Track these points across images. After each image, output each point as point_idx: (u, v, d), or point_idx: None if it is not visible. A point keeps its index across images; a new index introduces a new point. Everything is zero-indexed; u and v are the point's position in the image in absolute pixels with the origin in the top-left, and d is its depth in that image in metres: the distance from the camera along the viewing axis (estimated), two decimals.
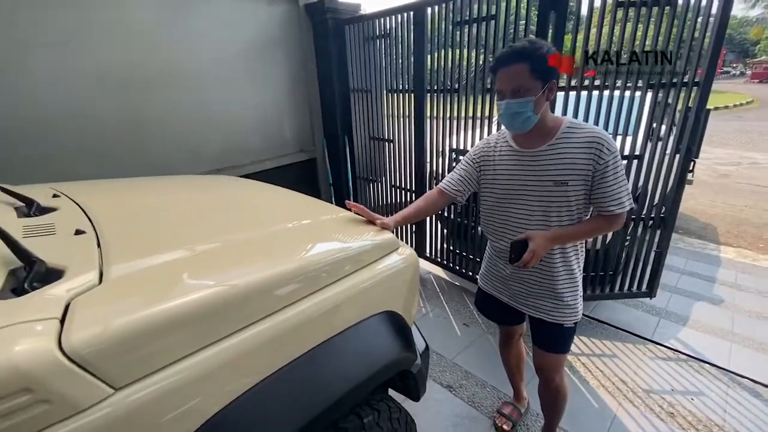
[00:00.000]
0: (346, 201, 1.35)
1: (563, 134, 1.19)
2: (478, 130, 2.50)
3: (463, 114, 2.56)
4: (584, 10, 2.11)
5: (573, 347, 2.24)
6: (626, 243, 2.37)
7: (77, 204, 1.12)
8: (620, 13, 1.94)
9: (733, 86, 22.02)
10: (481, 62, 2.41)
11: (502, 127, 1.30)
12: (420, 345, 1.22)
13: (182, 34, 2.52)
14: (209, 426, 0.70)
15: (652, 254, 2.36)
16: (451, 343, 2.28)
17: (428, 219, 3.12)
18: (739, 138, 9.09)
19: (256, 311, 0.79)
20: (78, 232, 0.89)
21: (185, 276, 0.77)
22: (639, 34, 1.93)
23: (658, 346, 2.26)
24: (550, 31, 2.02)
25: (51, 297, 0.62)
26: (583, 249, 1.33)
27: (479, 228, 2.73)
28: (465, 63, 2.47)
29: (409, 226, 3.24)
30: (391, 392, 1.26)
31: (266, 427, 0.78)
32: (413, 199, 3.11)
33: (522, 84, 1.12)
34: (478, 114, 2.47)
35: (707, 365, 2.10)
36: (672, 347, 2.24)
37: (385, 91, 3.09)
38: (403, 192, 3.21)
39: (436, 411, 1.80)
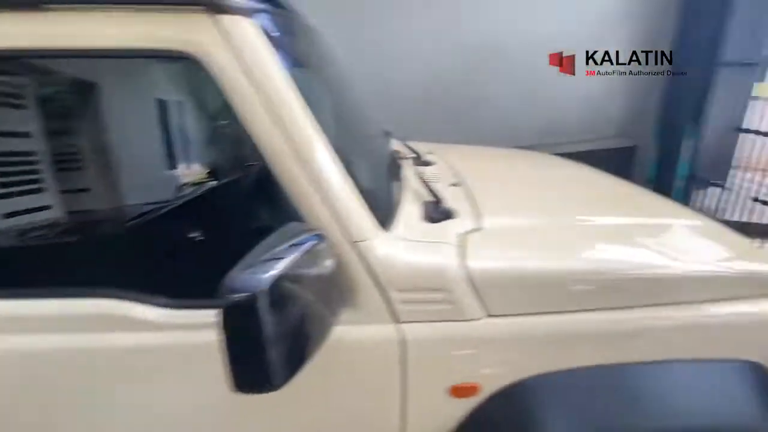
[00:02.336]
0: None
1: None
2: None
3: None
4: None
5: None
6: None
7: (446, 162, 1.42)
8: None
9: None
10: None
11: None
12: None
13: (527, 11, 2.62)
14: (523, 385, 0.76)
15: None
16: None
17: None
18: None
19: (594, 299, 0.78)
20: (454, 185, 1.13)
21: (545, 241, 0.85)
22: None
23: None
24: None
25: (453, 229, 0.83)
26: None
27: None
28: None
29: None
30: None
31: (565, 414, 0.79)
32: None
33: None
34: None
35: None
36: None
37: None
38: None
39: None
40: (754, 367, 0.86)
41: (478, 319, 0.73)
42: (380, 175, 0.98)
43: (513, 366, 0.77)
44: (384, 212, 0.80)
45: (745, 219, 2.41)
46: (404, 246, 0.73)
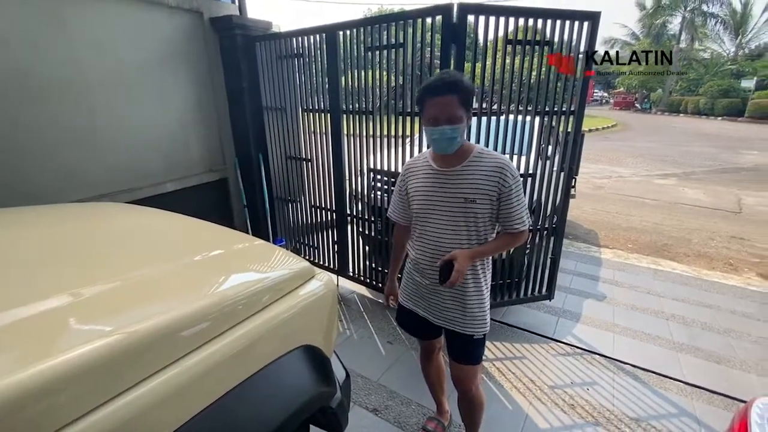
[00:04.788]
0: (390, 298, 1.65)
1: (474, 158, 1.31)
2: (393, 150, 2.57)
3: (378, 134, 2.62)
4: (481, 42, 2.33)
5: (489, 353, 2.38)
6: (526, 252, 2.62)
7: None
8: (510, 49, 2.18)
9: (601, 112, 26.34)
10: (393, 84, 2.50)
11: (424, 149, 1.37)
12: (340, 375, 1.18)
13: (65, 42, 2.21)
14: None
15: (548, 261, 2.65)
16: (375, 364, 2.27)
17: (349, 237, 3.11)
18: (608, 155, 10.84)
19: (141, 367, 0.68)
20: None
21: (57, 330, 0.64)
22: (526, 65, 2.20)
23: (558, 343, 2.51)
24: (452, 60, 2.19)
25: None
26: (490, 264, 1.44)
27: None
28: (378, 84, 2.55)
29: (330, 245, 3.20)
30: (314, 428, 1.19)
31: None
32: (334, 218, 3.08)
33: (456, 112, 1.22)
34: (393, 133, 2.55)
35: (597, 356, 2.39)
36: (569, 343, 2.51)
37: (300, 110, 3.04)
38: (323, 212, 3.16)
39: None
40: (307, 349, 1.08)
41: None
42: None
43: None
44: None
45: (309, 221, 3.26)
46: None
